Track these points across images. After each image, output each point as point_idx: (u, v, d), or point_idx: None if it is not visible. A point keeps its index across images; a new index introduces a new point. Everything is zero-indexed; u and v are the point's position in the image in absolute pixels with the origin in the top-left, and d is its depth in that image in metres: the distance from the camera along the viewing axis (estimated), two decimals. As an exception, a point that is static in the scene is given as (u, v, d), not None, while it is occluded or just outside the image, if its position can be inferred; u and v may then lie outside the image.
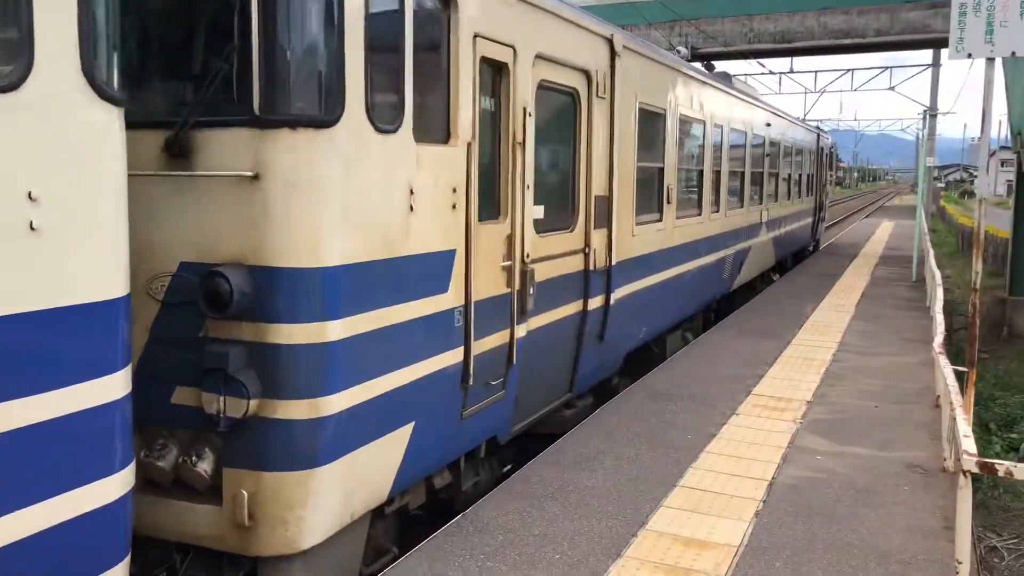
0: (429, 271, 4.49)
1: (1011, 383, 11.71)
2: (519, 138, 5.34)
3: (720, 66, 19.11)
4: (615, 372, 7.96)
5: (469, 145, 4.76)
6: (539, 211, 5.74)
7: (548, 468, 5.73)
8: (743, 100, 12.63)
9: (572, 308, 6.51)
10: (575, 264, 6.49)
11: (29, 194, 2.49)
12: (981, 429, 9.58)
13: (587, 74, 6.46)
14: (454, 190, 4.66)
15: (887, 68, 36.20)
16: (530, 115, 5.42)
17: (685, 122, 9.42)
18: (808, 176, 20.17)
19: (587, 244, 6.60)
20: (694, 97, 9.75)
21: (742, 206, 12.66)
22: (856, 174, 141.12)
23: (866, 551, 4.57)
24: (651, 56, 8.28)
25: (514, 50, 5.20)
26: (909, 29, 21.78)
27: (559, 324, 6.27)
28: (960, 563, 4.16)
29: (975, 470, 4.07)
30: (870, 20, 22.10)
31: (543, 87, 5.77)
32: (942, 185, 73.19)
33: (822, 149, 22.65)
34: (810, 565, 4.41)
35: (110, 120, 2.79)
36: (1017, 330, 15.00)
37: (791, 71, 35.96)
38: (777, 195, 15.63)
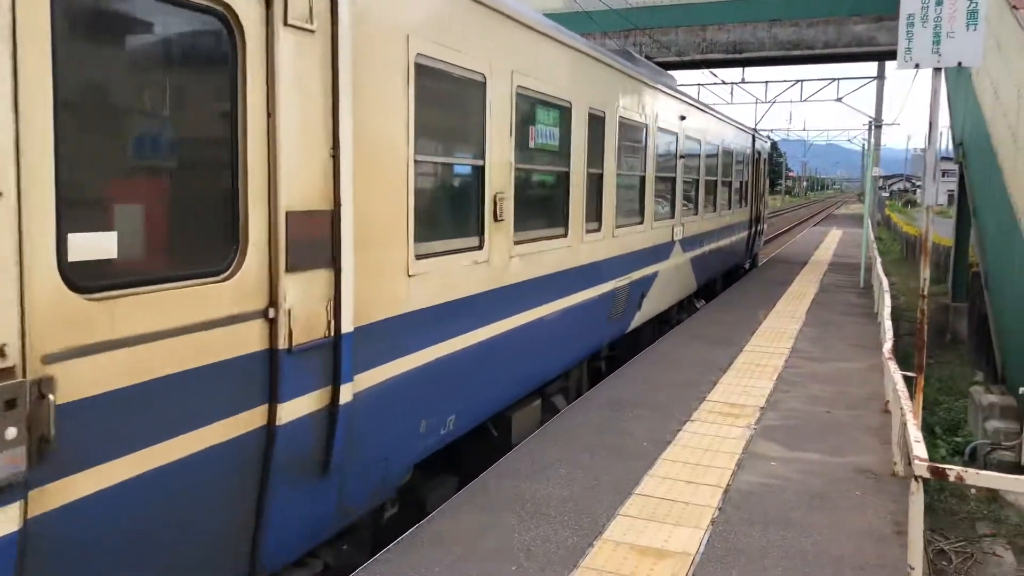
0: None
1: (955, 387, 11.99)
2: None
3: (674, 75, 19.35)
4: (387, 499, 5.04)
5: None
6: (102, 243, 3.02)
7: (505, 478, 5.65)
8: (644, 83, 9.63)
9: (223, 431, 3.51)
10: (236, 342, 3.55)
11: None
12: (926, 433, 9.76)
13: None
14: None
15: (835, 80, 37.06)
16: None
17: (532, 101, 6.56)
18: (742, 184, 17.61)
19: (272, 301, 3.69)
20: (551, 68, 6.86)
21: (642, 222, 9.94)
22: (805, 183, 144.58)
23: (820, 557, 4.59)
24: None
25: None
26: (855, 42, 22.36)
27: (178, 470, 3.30)
28: (912, 568, 4.20)
29: (926, 475, 4.11)
30: (818, 32, 22.62)
31: None
32: (887, 194, 75.38)
33: (759, 153, 20.16)
34: (766, 573, 4.40)
35: None
36: (960, 336, 15.42)
37: (743, 81, 36.61)
38: (697, 207, 13.11)
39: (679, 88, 12.26)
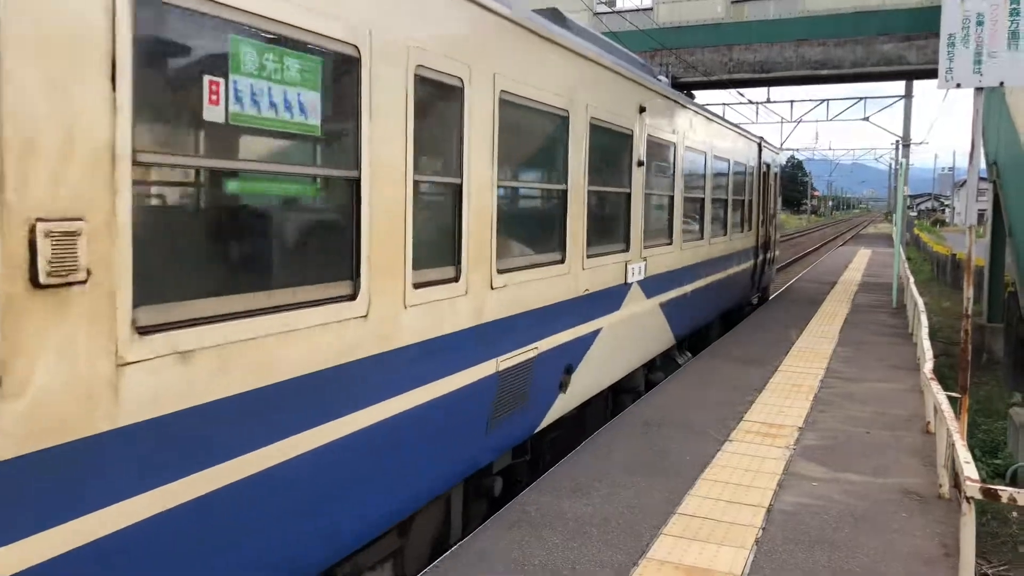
0: None
1: (993, 409, 11.81)
2: None
3: (701, 96, 19.30)
4: None
5: None
6: None
7: (544, 496, 5.66)
8: (562, 48, 6.37)
9: None
10: None
11: None
12: (966, 455, 9.63)
13: None
14: None
15: (861, 99, 36.98)
16: None
17: (200, 23, 3.14)
18: (744, 203, 14.25)
19: None
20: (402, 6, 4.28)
21: (562, 260, 6.50)
22: (831, 203, 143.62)
23: (869, 579, 4.55)
24: None
25: None
26: (884, 61, 22.31)
27: None
28: (964, 591, 4.15)
29: (979, 496, 4.07)
30: (846, 52, 22.61)
31: None
32: (914, 214, 74.70)
33: (768, 165, 16.76)
34: (814, 594, 4.37)
35: None
36: (996, 356, 15.19)
37: (768, 101, 36.59)
38: (672, 233, 9.82)
39: (649, 75, 9.12)
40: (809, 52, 23.00)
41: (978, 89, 5.87)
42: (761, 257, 16.53)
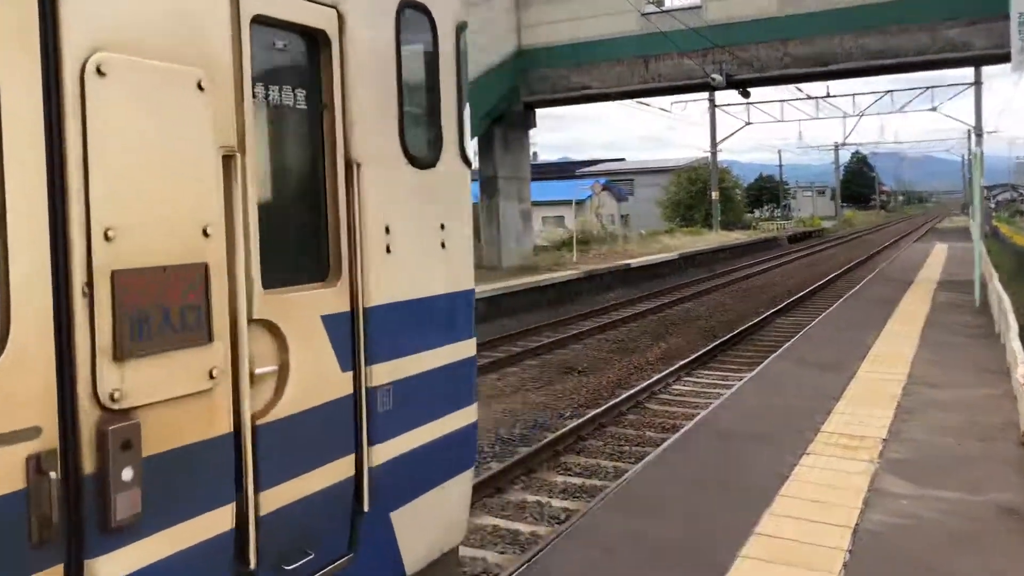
0: None
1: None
2: None
3: (756, 92, 18.71)
4: None
5: None
6: None
7: (615, 515, 5.44)
8: None
9: None
10: None
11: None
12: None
13: None
14: None
15: (928, 88, 35.66)
16: None
17: None
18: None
19: None
20: None
21: None
22: (900, 198, 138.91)
23: (972, 607, 4.19)
24: None
25: None
26: (949, 47, 21.36)
27: None
28: (1084, 621, 3.76)
29: (1096, 517, 3.69)
30: (909, 39, 21.72)
31: None
32: (992, 205, 71.54)
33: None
34: (912, 624, 4.03)
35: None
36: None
37: (828, 95, 35.64)
38: None
39: None
40: (869, 42, 22.15)
41: (1066, 69, 5.45)
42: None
